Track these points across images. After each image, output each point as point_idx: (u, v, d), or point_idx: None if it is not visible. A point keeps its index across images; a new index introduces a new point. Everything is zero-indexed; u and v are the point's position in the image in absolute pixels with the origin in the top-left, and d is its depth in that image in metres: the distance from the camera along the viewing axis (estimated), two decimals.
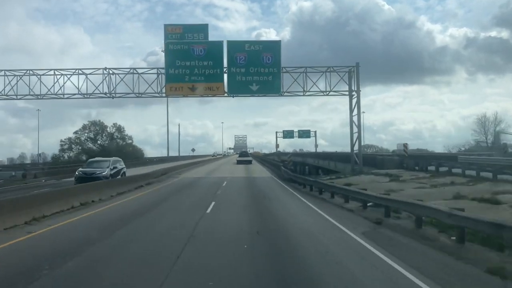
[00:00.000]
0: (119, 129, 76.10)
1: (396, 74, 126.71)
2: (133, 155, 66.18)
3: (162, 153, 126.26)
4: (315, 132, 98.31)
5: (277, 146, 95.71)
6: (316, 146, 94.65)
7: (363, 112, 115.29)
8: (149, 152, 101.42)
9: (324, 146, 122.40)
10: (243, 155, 60.80)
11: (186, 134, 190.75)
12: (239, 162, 53.58)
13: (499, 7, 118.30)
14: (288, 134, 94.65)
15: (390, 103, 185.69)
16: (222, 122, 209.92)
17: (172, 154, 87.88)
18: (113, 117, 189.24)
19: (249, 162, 55.19)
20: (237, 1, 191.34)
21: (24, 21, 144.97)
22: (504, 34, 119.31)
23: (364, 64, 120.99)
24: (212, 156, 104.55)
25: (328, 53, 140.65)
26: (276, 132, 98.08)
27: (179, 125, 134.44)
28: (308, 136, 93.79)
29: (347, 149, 78.02)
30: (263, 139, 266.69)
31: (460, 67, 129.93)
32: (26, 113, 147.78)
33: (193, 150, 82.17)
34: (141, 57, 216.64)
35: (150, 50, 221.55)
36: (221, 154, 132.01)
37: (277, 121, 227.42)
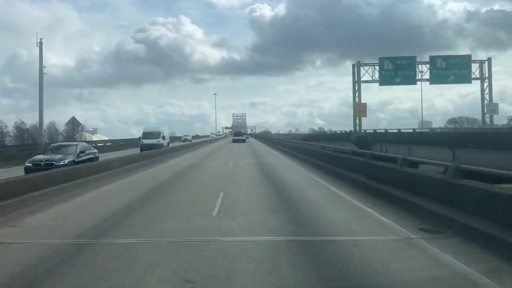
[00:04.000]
0: None
1: (393, 50, 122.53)
2: None
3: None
4: (488, 60, 50.38)
5: (359, 112, 50.11)
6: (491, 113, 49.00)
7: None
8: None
9: (322, 125, 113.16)
10: (237, 135, 72.11)
11: (183, 114, 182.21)
12: (234, 141, 63.95)
13: None
14: (401, 71, 49.55)
15: None
16: (215, 94, 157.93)
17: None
18: (105, 97, 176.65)
19: (243, 141, 65.32)
20: None
21: None
22: (508, 7, 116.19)
23: (360, 40, 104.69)
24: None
25: (324, 29, 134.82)
26: (355, 66, 51.46)
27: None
28: (469, 81, 51.14)
29: (343, 128, 55.56)
30: (261, 119, 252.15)
31: (463, 42, 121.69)
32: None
33: (72, 123, 36.67)
34: (130, 34, 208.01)
35: (140, 26, 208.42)
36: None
37: (275, 101, 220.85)
